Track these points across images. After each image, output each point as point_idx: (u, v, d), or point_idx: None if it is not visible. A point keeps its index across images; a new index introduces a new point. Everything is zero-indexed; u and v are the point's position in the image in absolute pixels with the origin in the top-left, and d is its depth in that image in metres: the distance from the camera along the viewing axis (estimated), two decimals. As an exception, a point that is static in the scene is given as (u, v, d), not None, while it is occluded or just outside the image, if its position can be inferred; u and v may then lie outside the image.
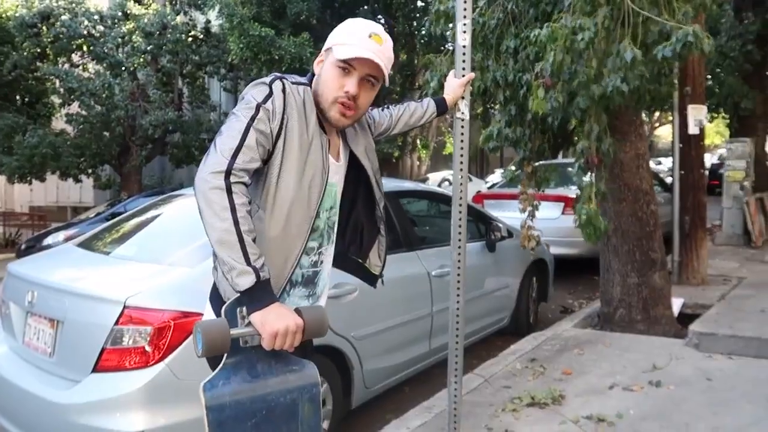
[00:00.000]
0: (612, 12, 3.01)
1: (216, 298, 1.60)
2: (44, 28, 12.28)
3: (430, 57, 3.85)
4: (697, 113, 5.97)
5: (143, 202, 6.79)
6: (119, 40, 12.65)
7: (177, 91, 13.71)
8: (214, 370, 1.44)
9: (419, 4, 13.53)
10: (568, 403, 3.18)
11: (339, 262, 1.84)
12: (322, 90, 1.59)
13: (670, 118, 6.35)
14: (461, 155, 2.39)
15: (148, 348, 2.35)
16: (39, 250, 7.42)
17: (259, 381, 1.42)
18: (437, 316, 3.71)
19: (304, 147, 1.54)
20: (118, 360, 2.37)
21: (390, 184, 3.89)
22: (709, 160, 20.24)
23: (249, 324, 1.39)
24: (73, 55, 12.94)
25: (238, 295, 1.40)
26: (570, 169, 7.39)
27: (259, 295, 1.38)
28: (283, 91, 1.53)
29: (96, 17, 12.66)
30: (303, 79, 1.63)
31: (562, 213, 6.74)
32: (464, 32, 2.28)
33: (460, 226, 2.41)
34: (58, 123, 13.63)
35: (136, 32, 12.72)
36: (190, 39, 13.48)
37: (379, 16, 14.23)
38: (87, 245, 3.37)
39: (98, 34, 12.61)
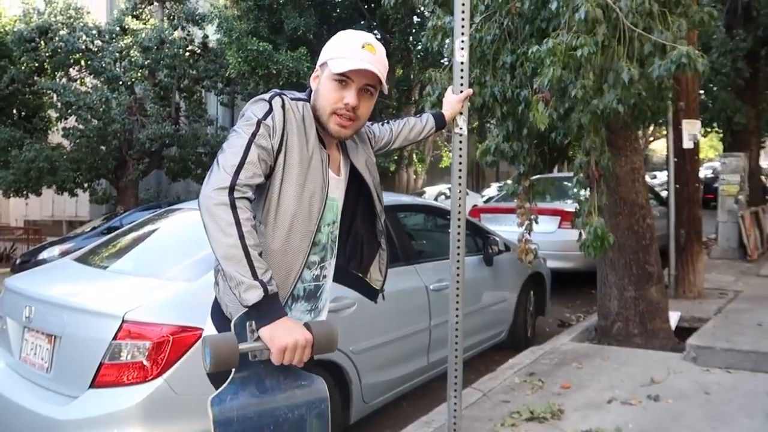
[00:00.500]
0: (608, 29, 3.05)
1: (217, 313, 1.60)
2: (42, 42, 12.34)
3: (431, 72, 3.88)
4: (691, 128, 6.03)
5: (140, 216, 6.80)
6: (117, 54, 12.72)
7: (174, 105, 13.76)
8: (215, 385, 1.44)
9: (415, 19, 13.65)
10: (567, 417, 3.17)
11: (339, 277, 1.84)
12: (320, 104, 1.60)
13: (665, 132, 6.41)
14: (459, 170, 2.41)
15: (146, 363, 2.34)
16: (34, 264, 7.40)
17: (267, 396, 1.41)
18: (435, 330, 3.71)
19: (305, 162, 1.55)
20: (116, 375, 2.36)
21: (387, 198, 3.89)
22: (703, 173, 20.37)
23: (258, 338, 1.38)
24: (70, 69, 12.99)
25: (246, 309, 1.40)
26: (566, 183, 7.48)
27: (267, 309, 1.38)
28: (283, 107, 1.54)
29: (94, 32, 12.74)
30: (302, 95, 1.65)
31: (559, 227, 6.75)
32: (462, 49, 2.31)
33: (458, 240, 2.43)
34: (55, 137, 13.65)
35: (134, 47, 12.79)
36: (187, 54, 13.56)
37: (376, 32, 14.35)
38: (84, 260, 3.37)
39: (96, 49, 12.68)
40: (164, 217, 3.71)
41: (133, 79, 12.96)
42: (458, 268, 2.43)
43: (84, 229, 10.06)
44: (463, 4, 2.34)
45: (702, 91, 10.58)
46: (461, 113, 2.34)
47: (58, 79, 12.73)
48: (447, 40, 3.95)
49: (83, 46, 12.45)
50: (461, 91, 2.34)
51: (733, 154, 8.72)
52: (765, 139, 20.29)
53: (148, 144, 12.23)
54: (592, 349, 4.40)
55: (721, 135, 11.85)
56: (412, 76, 14.58)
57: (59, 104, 12.36)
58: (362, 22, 13.86)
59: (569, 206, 6.95)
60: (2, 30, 12.88)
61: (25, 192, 12.45)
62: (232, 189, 1.40)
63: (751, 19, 10.20)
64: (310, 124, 1.59)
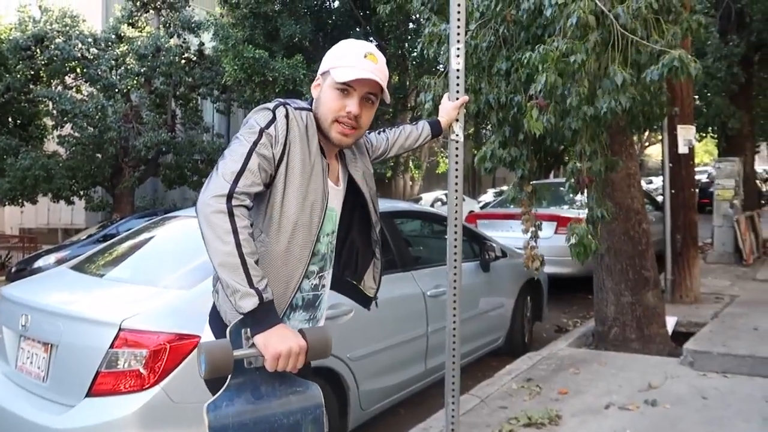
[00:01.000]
0: (602, 35, 3.07)
1: (216, 320, 1.60)
2: (38, 50, 12.34)
3: (425, 79, 3.89)
4: (686, 133, 6.06)
5: (136, 224, 6.79)
6: (113, 62, 12.73)
7: (170, 113, 13.77)
8: (212, 392, 1.44)
9: (411, 26, 13.71)
10: (564, 423, 3.17)
11: (333, 284, 1.84)
12: (322, 112, 1.61)
13: (660, 137, 6.43)
14: (456, 176, 2.42)
15: (143, 371, 2.34)
16: (30, 273, 7.37)
17: (262, 402, 1.42)
18: (432, 336, 3.71)
19: (306, 172, 1.56)
20: (113, 383, 2.35)
21: (384, 204, 3.91)
22: (699, 178, 20.45)
23: (252, 345, 1.39)
24: (66, 77, 13.00)
25: (242, 316, 1.41)
26: (562, 188, 7.49)
27: (263, 316, 1.39)
28: (287, 117, 1.54)
29: (90, 40, 12.75)
30: (305, 105, 1.65)
31: (555, 232, 6.76)
32: (458, 56, 2.32)
33: (455, 246, 2.43)
34: (51, 145, 13.63)
35: (130, 55, 12.81)
36: (183, 61, 13.58)
37: (371, 39, 14.40)
38: (80, 268, 3.36)
39: (92, 57, 12.69)
40: (160, 225, 3.71)
41: (129, 87, 12.97)
42: (455, 274, 2.43)
43: (80, 237, 10.03)
44: (459, 12, 2.35)
45: (697, 97, 10.63)
46: (457, 120, 2.35)
47: (53, 87, 12.73)
48: (443, 47, 3.96)
49: (79, 54, 12.46)
50: (457, 98, 2.34)
51: (727, 159, 8.77)
52: (759, 144, 20.41)
53: (144, 151, 12.23)
54: (589, 355, 4.40)
55: (716, 140, 11.91)
56: (408, 83, 14.63)
57: (55, 112, 12.35)
58: (358, 30, 13.91)
59: (566, 212, 6.97)
60: (-2, 38, 12.88)
61: (20, 200, 12.42)
62: (230, 196, 1.41)
63: (744, 25, 10.28)
64: (312, 133, 1.60)
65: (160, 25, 13.67)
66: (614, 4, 3.05)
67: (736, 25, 10.29)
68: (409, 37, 13.54)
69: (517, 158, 4.03)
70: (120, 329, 2.38)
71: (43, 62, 12.38)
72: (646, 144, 29.96)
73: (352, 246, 1.85)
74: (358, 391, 3.18)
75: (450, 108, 2.32)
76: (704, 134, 12.04)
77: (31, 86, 12.76)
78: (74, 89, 13.17)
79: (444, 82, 3.76)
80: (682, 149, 6.09)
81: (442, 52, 4.02)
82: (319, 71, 1.66)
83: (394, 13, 11.05)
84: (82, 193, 12.96)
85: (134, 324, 2.40)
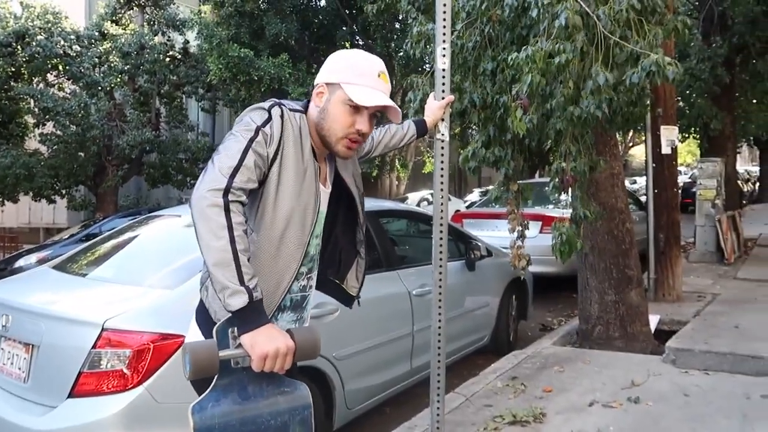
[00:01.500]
0: (587, 36, 3.10)
1: (203, 317, 1.58)
2: (19, 47, 12.15)
3: (413, 78, 3.90)
4: (669, 134, 6.13)
5: (119, 223, 6.72)
6: (96, 59, 12.57)
7: (154, 111, 13.64)
8: (199, 392, 1.43)
9: (397, 26, 13.72)
10: (549, 420, 3.19)
11: (316, 283, 1.84)
12: (329, 125, 1.60)
13: (644, 138, 6.50)
14: (441, 175, 2.42)
15: (126, 371, 2.32)
16: (11, 272, 7.26)
17: (249, 403, 1.40)
18: (418, 335, 3.72)
19: (300, 173, 1.55)
20: (95, 384, 2.33)
21: (370, 203, 3.90)
22: (681, 178, 20.71)
23: (239, 345, 1.37)
24: (48, 74, 12.82)
25: (230, 315, 1.39)
26: (547, 188, 7.54)
27: (251, 315, 1.37)
28: (282, 117, 1.54)
29: (72, 37, 12.58)
30: (299, 107, 1.64)
31: (540, 232, 6.81)
32: (443, 56, 2.33)
33: (441, 245, 2.44)
34: (32, 143, 13.43)
35: (113, 52, 12.67)
36: (167, 59, 13.46)
37: (357, 38, 14.39)
38: (63, 267, 3.32)
39: (74, 54, 12.52)
40: (144, 224, 3.68)
41: (112, 85, 12.83)
42: (441, 273, 2.44)
43: (62, 237, 9.90)
44: (445, 12, 2.36)
45: (680, 98, 10.77)
46: (443, 119, 2.35)
47: (35, 85, 12.54)
48: (429, 47, 3.97)
49: (61, 51, 12.29)
50: (443, 98, 2.35)
51: (709, 159, 8.88)
52: (741, 145, 20.70)
53: (127, 150, 12.10)
54: (573, 353, 4.44)
55: (699, 140, 12.07)
56: (394, 83, 14.63)
57: (36, 110, 12.17)
58: (344, 29, 13.90)
59: (550, 211, 7.02)
60: (-22, 35, 12.67)
61: (1, 199, 12.24)
62: (227, 191, 1.39)
63: (726, 27, 10.42)
64: (305, 136, 1.59)
65: (144, 23, 13.53)
66: (598, 5, 3.08)
67: (718, 27, 10.44)
68: (396, 37, 13.57)
69: (502, 158, 4.05)
70: (103, 329, 2.36)
71: (24, 59, 12.18)
72: (630, 144, 30.27)
73: (335, 245, 1.84)
74: (344, 391, 3.18)
75: (435, 108, 2.32)
76: (687, 135, 12.21)
77: (11, 83, 12.56)
78: (56, 87, 12.99)
79: (430, 81, 3.77)
80: (665, 149, 6.16)
81: (428, 52, 4.02)
82: (325, 79, 1.62)
83: (381, 13, 11.04)
84: (64, 192, 12.79)
85: (117, 324, 2.38)
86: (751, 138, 21.05)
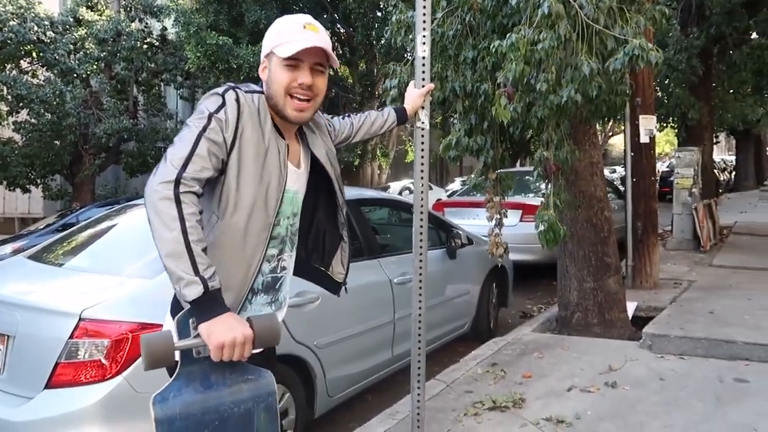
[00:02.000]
0: (569, 24, 3.11)
1: (176, 310, 1.57)
2: (-9, 33, 11.86)
3: (392, 66, 3.88)
4: (647, 123, 6.20)
5: (96, 213, 6.62)
6: (71, 46, 12.31)
7: (132, 99, 13.43)
8: (175, 381, 1.42)
9: (378, 14, 13.63)
10: (528, 406, 3.23)
11: (301, 271, 1.83)
12: (274, 90, 1.59)
13: (623, 128, 6.56)
14: (422, 164, 2.42)
15: (104, 361, 2.30)
16: (-15, 263, 7.12)
17: (211, 392, 1.39)
18: (399, 323, 3.73)
19: (260, 154, 1.54)
20: (73, 374, 2.31)
21: (351, 192, 3.90)
22: (660, 167, 20.98)
23: (198, 335, 1.37)
24: (21, 61, 12.52)
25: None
26: (528, 177, 7.59)
27: (207, 305, 1.36)
28: (237, 100, 1.53)
29: (46, 23, 12.29)
30: (257, 87, 1.64)
31: (521, 220, 6.87)
32: (423, 44, 2.32)
33: (421, 234, 2.44)
34: (5, 131, 13.13)
35: (89, 39, 12.41)
36: (145, 46, 13.23)
37: (338, 26, 14.28)
38: (38, 257, 3.27)
39: (48, 41, 12.25)
40: (122, 213, 3.63)
41: (88, 72, 12.57)
42: (421, 261, 2.45)
43: (38, 227, 9.72)
44: (425, 0, 2.35)
45: (658, 88, 10.87)
46: (423, 107, 2.35)
47: (8, 72, 12.24)
48: (410, 35, 3.95)
49: (35, 37, 12.01)
50: (423, 86, 2.34)
51: (686, 149, 8.99)
52: (718, 134, 21.01)
53: (105, 138, 11.90)
54: (552, 339, 4.49)
55: (676, 130, 12.21)
56: (375, 71, 14.57)
57: (10, 97, 11.88)
58: (325, 16, 13.77)
59: (531, 200, 7.07)
60: (-52, 20, 12.33)
61: (-26, 189, 11.99)
62: (177, 182, 1.38)
63: (704, 17, 10.52)
64: (264, 115, 1.58)
65: (121, 9, 13.28)
66: (579, -7, 3.09)
67: (696, 17, 10.53)
68: (377, 25, 13.48)
69: (482, 146, 4.07)
70: (80, 319, 2.33)
71: (-4, 46, 11.90)
72: (610, 134, 30.57)
73: (318, 229, 1.84)
74: (325, 379, 3.19)
75: (416, 96, 2.32)
76: (665, 124, 12.34)
77: (-16, 70, 12.27)
78: (30, 74, 12.71)
79: (410, 69, 3.76)
80: (644, 139, 6.23)
81: (409, 40, 4.01)
82: (262, 54, 1.65)
83: (362, 0, 10.98)
84: (39, 181, 12.56)
85: (95, 314, 2.36)
86: (728, 128, 21.38)
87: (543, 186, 3.77)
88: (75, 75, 12.34)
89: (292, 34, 1.57)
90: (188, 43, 11.47)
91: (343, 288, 1.94)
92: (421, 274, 2.46)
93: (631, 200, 6.35)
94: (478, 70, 3.83)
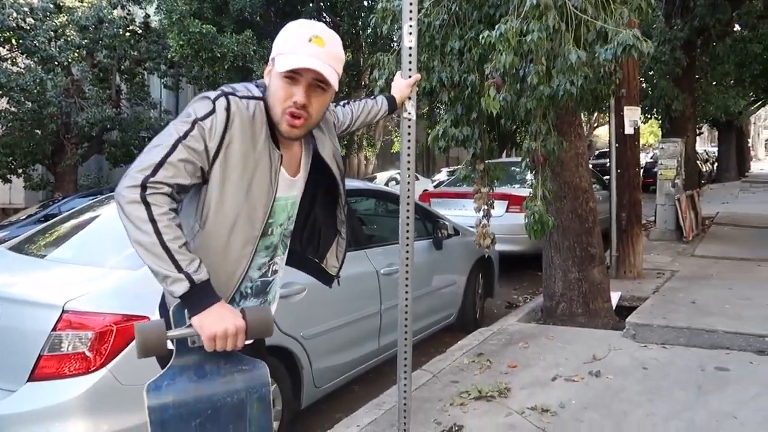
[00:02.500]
0: (557, 14, 3.11)
1: (163, 308, 1.57)
2: (-32, 19, 11.60)
3: (379, 56, 3.86)
4: (632, 114, 6.24)
5: (79, 203, 6.54)
6: (51, 33, 12.07)
7: (115, 88, 13.22)
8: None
9: (365, 3, 13.54)
10: (513, 395, 3.26)
11: (295, 262, 1.82)
12: (272, 103, 1.52)
13: (608, 119, 6.60)
14: (408, 154, 2.41)
15: (88, 353, 2.27)
16: (-34, 254, 7.01)
17: (204, 381, 1.40)
18: (386, 313, 3.74)
19: (249, 167, 1.48)
20: (56, 367, 2.28)
21: (338, 183, 3.88)
22: (644, 159, 21.18)
23: (190, 326, 1.38)
24: (0, 48, 12.28)
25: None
26: (514, 168, 7.61)
27: (197, 298, 1.36)
28: (227, 109, 1.45)
29: (25, 9, 12.04)
30: (256, 92, 1.55)
31: (506, 211, 6.90)
32: (410, 33, 2.31)
33: (408, 224, 2.44)
34: (-15, 120, 12.91)
35: (70, 26, 12.19)
36: (128, 34, 13.02)
37: (324, 15, 14.17)
38: (20, 248, 3.22)
39: (28, 27, 12.01)
40: (105, 204, 3.58)
41: (69, 60, 12.35)
42: (407, 252, 2.45)
43: (19, 217, 9.60)
44: (412, -12, 2.33)
45: (642, 79, 10.93)
46: (409, 98, 2.34)
47: (-14, 59, 12.02)
48: (396, 24, 3.93)
49: (14, 24, 11.76)
50: (410, 76, 2.33)
51: (670, 140, 9.08)
52: (701, 126, 21.22)
53: (87, 128, 11.72)
54: (537, 329, 4.53)
55: (660, 121, 12.31)
56: (362, 61, 14.50)
57: (-12, 85, 11.67)
58: (311, 5, 13.65)
59: (517, 191, 7.11)
60: (-77, 5, 12.03)
61: (-47, 179, 11.78)
62: (144, 186, 1.35)
63: (688, 9, 10.58)
64: (260, 123, 1.50)
65: (103, -5, 13.03)
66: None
67: (680, 9, 10.59)
68: (363, 14, 13.39)
69: (469, 137, 4.07)
70: (63, 311, 2.31)
71: (-27, 32, 11.65)
72: (595, 125, 30.74)
73: (314, 224, 1.81)
74: (312, 369, 3.19)
75: (403, 86, 2.30)
76: (649, 116, 12.43)
77: (-39, 57, 12.01)
78: (9, 61, 12.47)
79: (397, 59, 3.74)
80: (628, 130, 6.27)
81: (395, 29, 3.98)
82: (270, 57, 1.57)
83: (348, -11, 10.88)
84: (20, 171, 12.36)
85: (78, 305, 2.33)
86: (711, 119, 21.61)
87: (529, 177, 3.78)
88: (56, 63, 12.12)
89: (296, 45, 1.48)
90: (171, 31, 11.29)
91: (336, 281, 1.93)
92: (407, 265, 2.46)
93: (616, 191, 6.40)
94: (465, 61, 3.82)
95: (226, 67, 11.41)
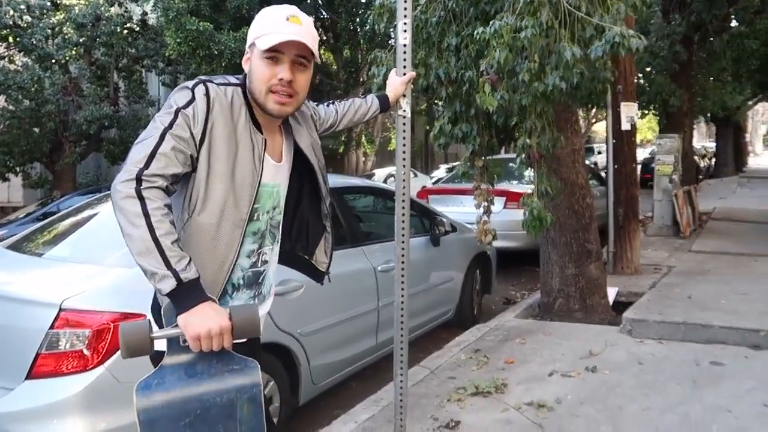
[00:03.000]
0: (551, 11, 3.11)
1: (155, 307, 1.58)
2: (-35, 17, 11.58)
3: (376, 53, 3.87)
4: (628, 110, 6.24)
5: (78, 201, 6.54)
6: (48, 31, 12.06)
7: (112, 86, 13.21)
8: (158, 371, 1.42)
9: (362, 0, 13.53)
10: (510, 391, 3.28)
11: (285, 259, 1.83)
12: (255, 85, 1.55)
13: (605, 114, 6.61)
14: (404, 151, 2.42)
15: (86, 351, 2.28)
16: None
17: (195, 380, 1.39)
18: (383, 310, 3.75)
19: (232, 150, 1.52)
20: (54, 365, 2.29)
21: (335, 180, 3.89)
22: (642, 154, 21.17)
23: (176, 325, 1.37)
24: (-3, 46, 12.28)
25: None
26: (511, 164, 7.62)
27: (183, 296, 1.36)
28: (206, 95, 1.50)
29: (22, 7, 12.02)
30: (233, 79, 1.60)
31: (504, 207, 6.90)
32: (405, 31, 2.31)
33: (403, 221, 2.45)
34: (-18, 118, 12.89)
35: (67, 23, 12.17)
36: (125, 31, 13.00)
37: (321, 11, 14.15)
38: (18, 247, 3.23)
39: (25, 25, 11.99)
40: (103, 202, 3.59)
41: (67, 58, 12.34)
42: (403, 248, 2.46)
43: (17, 215, 9.61)
44: (407, -15, 2.33)
45: (640, 75, 10.94)
46: (404, 96, 2.35)
47: (-16, 57, 12.02)
48: (393, 21, 3.93)
49: (11, 22, 11.75)
50: (404, 74, 2.34)
51: (667, 136, 9.08)
52: (698, 121, 21.22)
53: (85, 126, 11.72)
54: (535, 325, 4.55)
55: (658, 117, 12.32)
56: (359, 58, 14.49)
57: (-14, 84, 11.66)
58: (308, 2, 13.63)
59: (514, 187, 7.11)
60: None
61: (-49, 177, 11.77)
62: (138, 180, 1.37)
63: (685, 5, 10.59)
64: (239, 109, 1.55)
65: (100, -7, 13.01)
66: (561, -20, 3.09)
67: (677, 5, 10.59)
68: (361, 11, 13.38)
69: (468, 133, 4.07)
70: (61, 309, 2.32)
71: (-30, 30, 11.64)
72: (594, 121, 30.73)
73: (302, 219, 1.83)
74: (309, 366, 3.20)
75: (398, 83, 2.31)
76: (646, 111, 12.45)
77: (-42, 55, 12.01)
78: (7, 59, 12.45)
79: (394, 56, 3.74)
80: (625, 126, 6.27)
81: (392, 26, 3.99)
82: (247, 45, 1.61)
83: (345, -14, 10.87)
84: (18, 169, 12.36)
85: (76, 304, 2.34)
86: (709, 114, 21.62)
87: (527, 173, 3.79)
88: (53, 61, 12.11)
89: (275, 25, 1.53)
90: (168, 29, 11.28)
91: (327, 277, 1.94)
92: (403, 262, 2.47)
93: (613, 187, 6.41)
94: (462, 58, 3.83)
95: (223, 64, 11.40)
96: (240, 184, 1.53)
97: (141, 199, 1.36)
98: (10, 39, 12.09)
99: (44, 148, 12.29)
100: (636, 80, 7.23)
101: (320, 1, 13.88)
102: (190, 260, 1.38)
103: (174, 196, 1.51)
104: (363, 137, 17.37)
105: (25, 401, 2.27)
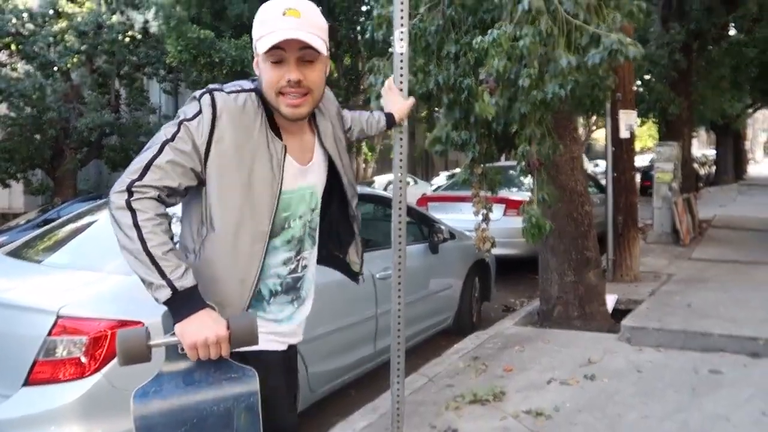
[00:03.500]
0: (549, 20, 3.13)
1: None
2: (-32, 25, 11.65)
3: (374, 61, 3.89)
4: (627, 118, 6.26)
5: (78, 208, 6.55)
6: (51, 39, 12.14)
7: (114, 93, 13.27)
8: (158, 378, 1.42)
9: (362, 8, 13.59)
10: (508, 398, 3.27)
11: (323, 259, 1.81)
12: (266, 90, 1.49)
13: (605, 122, 6.62)
14: (401, 160, 2.44)
15: (83, 358, 2.29)
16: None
17: (192, 388, 1.39)
18: (382, 317, 3.75)
19: (246, 160, 1.46)
20: (51, 372, 2.29)
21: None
22: (643, 161, 21.19)
23: (174, 334, 1.37)
24: (0, 53, 12.33)
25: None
26: (511, 171, 7.63)
27: (180, 305, 1.36)
28: (212, 104, 1.44)
29: (25, 15, 12.11)
30: (247, 85, 1.53)
31: (504, 214, 6.91)
32: (401, 40, 2.33)
33: (400, 228, 2.46)
34: (-16, 126, 12.94)
35: (69, 31, 12.24)
36: (127, 39, 13.07)
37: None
38: (17, 254, 3.24)
39: (28, 33, 12.07)
40: (103, 209, 3.60)
41: (68, 65, 12.40)
42: (400, 256, 2.47)
43: (18, 222, 9.63)
44: (404, -5, 2.35)
45: (639, 83, 10.96)
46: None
47: (-14, 65, 12.07)
48: (392, 30, 3.95)
49: (13, 30, 11.83)
50: (401, 82, 2.36)
51: (666, 143, 9.09)
52: (697, 129, 21.26)
53: (86, 133, 11.77)
54: (534, 333, 4.54)
55: (657, 125, 12.33)
56: (360, 65, 14.54)
57: (-12, 91, 11.71)
58: (309, 9, 13.67)
59: (514, 194, 7.12)
60: (-77, 11, 12.08)
61: (-47, 183, 11.81)
62: (130, 191, 1.37)
63: (684, 13, 10.63)
64: (254, 113, 1.48)
65: (101, 1, 13.09)
66: (559, -10, 3.11)
67: (677, 13, 10.64)
68: (362, 19, 13.43)
69: (468, 141, 4.09)
70: (58, 317, 2.32)
71: (-27, 38, 11.70)
72: (594, 128, 30.77)
73: (331, 221, 1.80)
74: (308, 373, 3.20)
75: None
76: (646, 119, 12.46)
77: (-39, 63, 12.06)
78: (9, 67, 12.51)
79: (392, 65, 3.76)
80: (624, 134, 6.29)
81: (391, 36, 4.01)
82: (253, 46, 1.54)
83: (346, -6, 10.92)
84: (19, 176, 12.39)
85: (73, 311, 2.34)
86: (709, 122, 21.65)
87: (527, 181, 3.80)
88: (55, 68, 12.18)
89: (272, 23, 1.44)
90: (169, 37, 11.33)
91: (360, 277, 1.95)
92: (399, 270, 2.47)
93: (612, 194, 6.41)
94: (460, 65, 3.85)
95: (224, 72, 11.45)
96: (257, 196, 1.47)
97: (132, 210, 1.36)
98: (13, 47, 12.16)
99: (45, 154, 12.34)
100: (635, 88, 7.24)
101: (320, 9, 13.94)
102: (186, 269, 1.37)
103: (192, 211, 1.50)
104: (364, 144, 17.41)
105: (23, 408, 2.27)
